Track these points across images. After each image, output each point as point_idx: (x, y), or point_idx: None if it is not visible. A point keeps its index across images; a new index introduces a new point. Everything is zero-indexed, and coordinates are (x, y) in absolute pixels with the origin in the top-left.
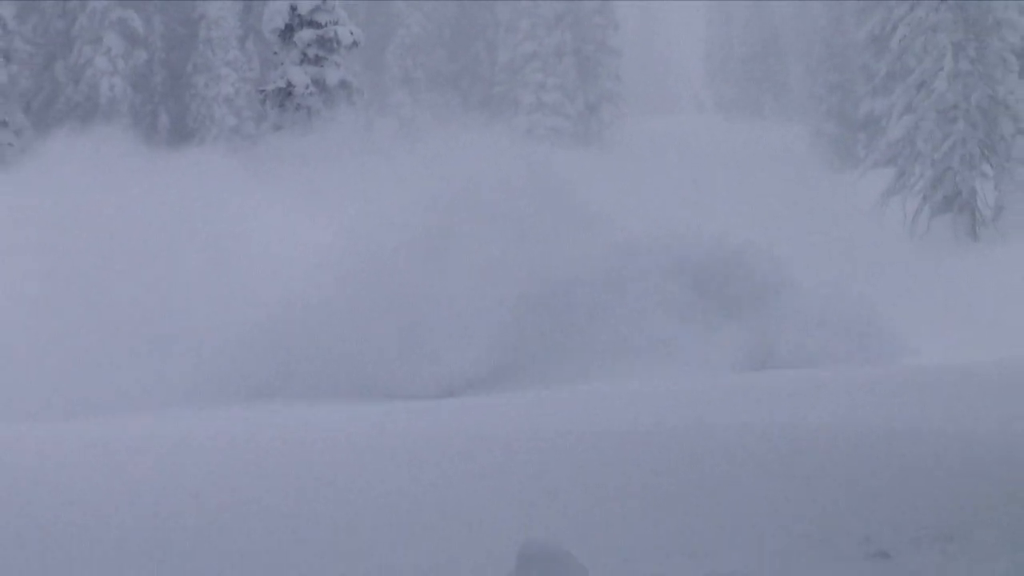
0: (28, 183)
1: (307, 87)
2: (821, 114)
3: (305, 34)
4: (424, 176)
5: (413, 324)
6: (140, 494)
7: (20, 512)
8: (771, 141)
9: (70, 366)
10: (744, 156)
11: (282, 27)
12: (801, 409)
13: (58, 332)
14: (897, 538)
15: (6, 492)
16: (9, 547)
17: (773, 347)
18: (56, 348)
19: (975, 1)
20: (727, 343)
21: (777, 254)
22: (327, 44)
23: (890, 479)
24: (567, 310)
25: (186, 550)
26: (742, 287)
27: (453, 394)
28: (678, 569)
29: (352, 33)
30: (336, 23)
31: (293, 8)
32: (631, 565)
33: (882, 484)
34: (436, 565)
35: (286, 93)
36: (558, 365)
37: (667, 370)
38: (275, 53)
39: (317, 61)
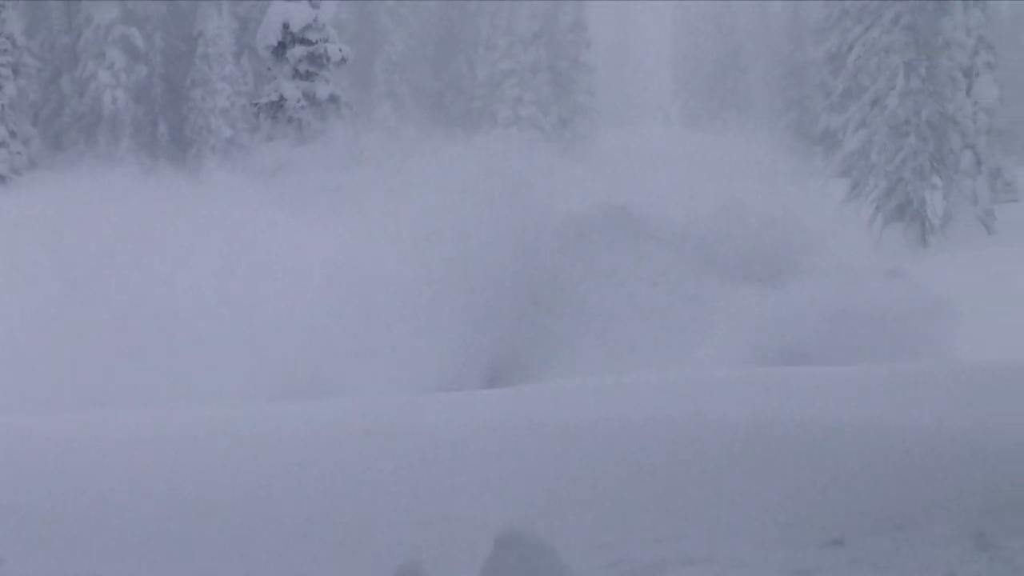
0: (55, 203)
1: (298, 101)
2: (781, 128)
3: (297, 51)
4: (414, 188)
5: (408, 327)
6: (150, 485)
7: (33, 500)
8: (737, 151)
9: (90, 364)
10: (712, 164)
11: (275, 44)
12: (783, 405)
13: (81, 333)
14: (852, 526)
15: (21, 481)
16: (19, 534)
17: (794, 337)
18: (78, 347)
19: (926, 23)
20: (740, 332)
21: (811, 227)
22: (317, 60)
23: (851, 472)
24: (558, 300)
25: (193, 539)
26: (768, 261)
27: (448, 389)
28: (645, 553)
29: (341, 50)
30: (326, 41)
31: (286, 26)
32: (602, 550)
33: (843, 476)
34: (417, 547)
35: (278, 106)
36: (561, 357)
37: (673, 359)
38: (268, 68)
39: (308, 76)
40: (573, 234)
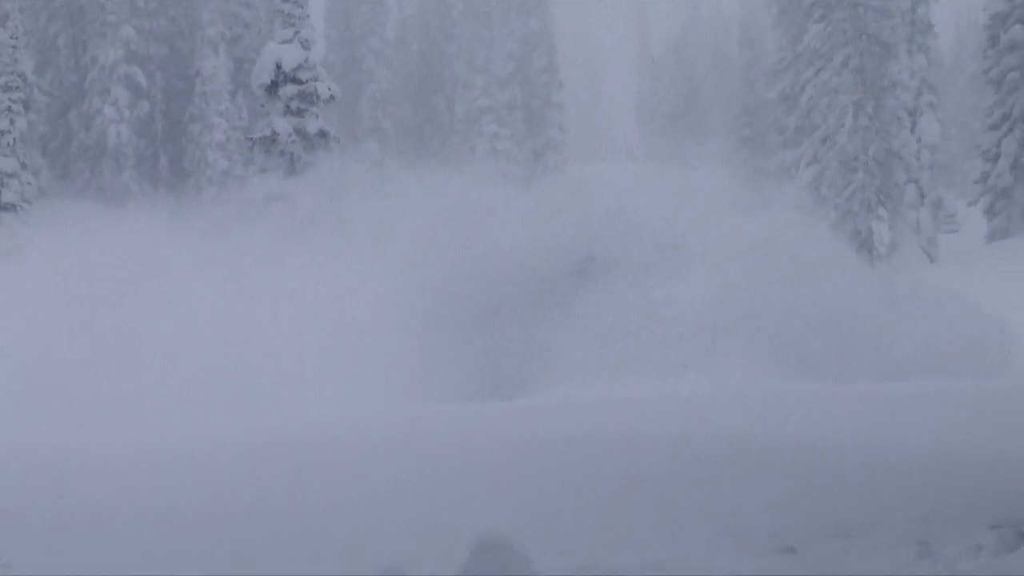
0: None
1: (290, 135)
2: (737, 163)
3: (288, 89)
4: (405, 219)
5: (399, 347)
6: (156, 494)
7: (39, 509)
8: (699, 184)
9: (97, 385)
10: (676, 194)
11: (268, 82)
12: (740, 422)
13: (91, 357)
14: (803, 535)
15: (27, 492)
16: (26, 541)
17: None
18: (87, 369)
19: (873, 66)
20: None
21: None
22: (308, 98)
23: (801, 484)
24: (551, 313)
25: (194, 542)
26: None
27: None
28: (609, 559)
29: (330, 88)
30: (316, 79)
31: (278, 66)
32: (569, 555)
33: (794, 488)
34: (403, 550)
35: (271, 140)
36: (555, 369)
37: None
38: (262, 105)
39: (299, 112)
40: (568, 242)
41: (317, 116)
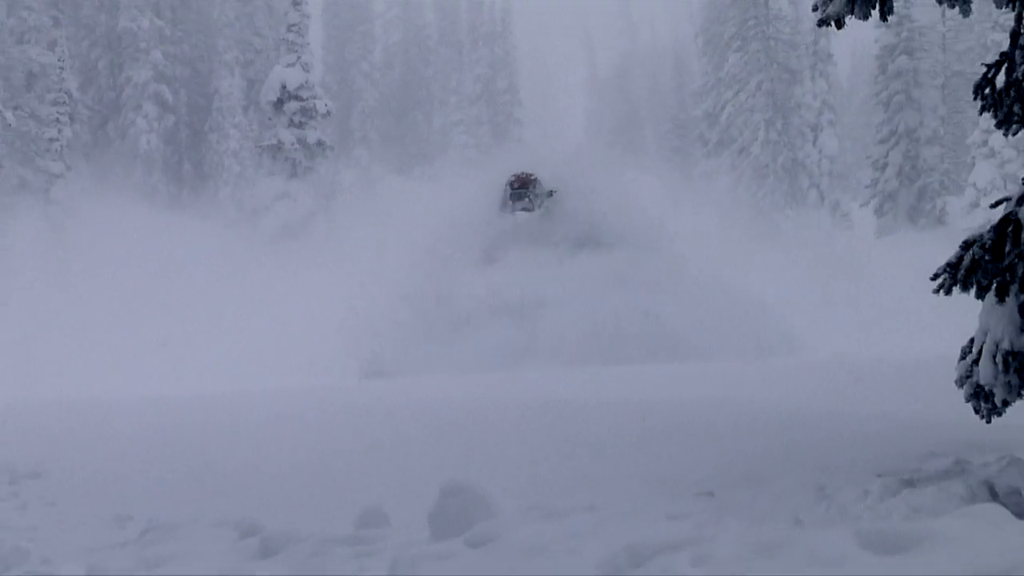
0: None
1: (293, 144)
2: (668, 171)
3: (292, 105)
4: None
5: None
6: (172, 446)
7: (77, 458)
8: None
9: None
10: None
11: (275, 99)
12: (672, 388)
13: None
14: (720, 481)
15: (64, 444)
16: (69, 484)
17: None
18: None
19: (782, 89)
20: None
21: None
22: (308, 112)
23: (719, 437)
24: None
25: (203, 486)
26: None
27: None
28: (554, 501)
29: (326, 105)
30: (315, 97)
31: (283, 86)
32: (522, 498)
33: (713, 441)
34: (380, 494)
35: (277, 148)
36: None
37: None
38: (269, 118)
39: (300, 125)
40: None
41: (316, 128)
